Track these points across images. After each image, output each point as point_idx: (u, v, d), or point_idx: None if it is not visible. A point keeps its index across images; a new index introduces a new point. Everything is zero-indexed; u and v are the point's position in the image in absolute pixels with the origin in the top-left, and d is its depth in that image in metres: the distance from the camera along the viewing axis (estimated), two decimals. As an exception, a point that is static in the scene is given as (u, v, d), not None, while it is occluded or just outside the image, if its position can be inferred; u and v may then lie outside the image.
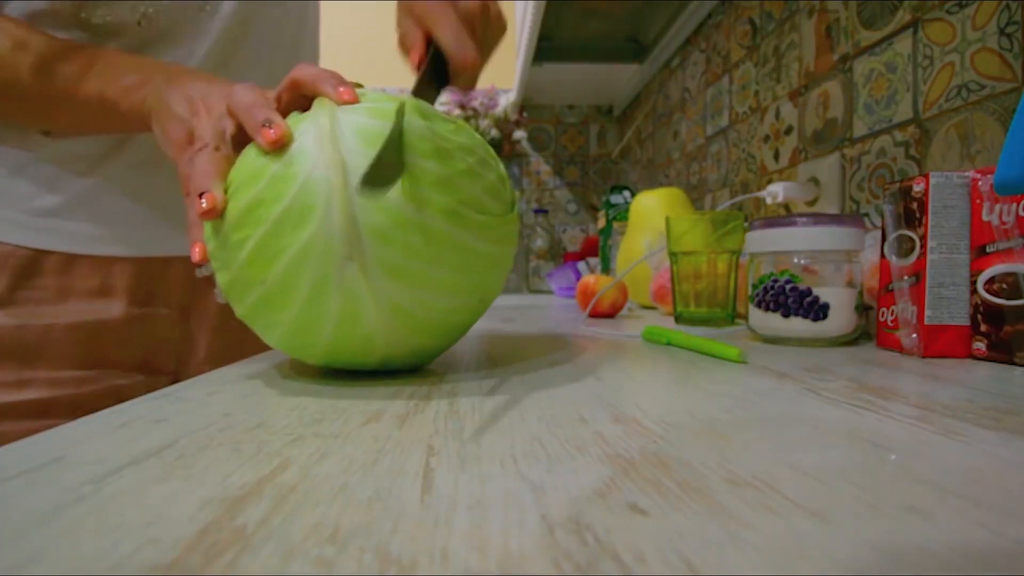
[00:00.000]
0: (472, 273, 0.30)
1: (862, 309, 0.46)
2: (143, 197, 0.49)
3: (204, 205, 0.29)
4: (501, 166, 0.34)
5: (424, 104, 0.30)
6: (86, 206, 0.47)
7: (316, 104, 0.30)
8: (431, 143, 0.29)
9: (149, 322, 0.50)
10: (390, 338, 0.29)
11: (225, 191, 0.30)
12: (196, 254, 0.31)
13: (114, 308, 0.48)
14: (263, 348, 0.53)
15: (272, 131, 0.28)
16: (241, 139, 0.32)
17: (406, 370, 0.34)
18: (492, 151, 0.34)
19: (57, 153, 0.46)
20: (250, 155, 0.29)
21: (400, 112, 0.29)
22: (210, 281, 0.51)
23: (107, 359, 0.48)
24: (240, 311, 0.30)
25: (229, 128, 0.32)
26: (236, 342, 0.54)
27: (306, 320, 0.28)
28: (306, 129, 0.28)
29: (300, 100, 0.33)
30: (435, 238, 0.28)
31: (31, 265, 0.45)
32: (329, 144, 0.27)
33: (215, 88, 0.36)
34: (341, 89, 0.31)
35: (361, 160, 0.27)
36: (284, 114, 0.34)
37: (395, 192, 0.27)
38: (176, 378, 0.53)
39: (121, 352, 0.48)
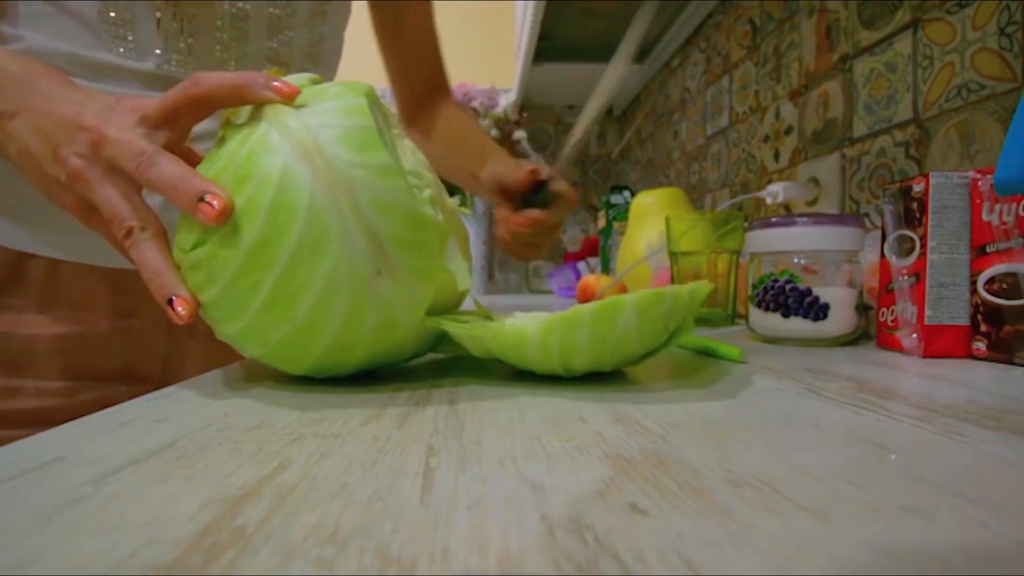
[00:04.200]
0: (467, 254, 0.33)
1: (862, 309, 0.46)
2: None
3: (181, 312, 0.27)
4: None
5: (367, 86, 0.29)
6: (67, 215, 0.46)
7: (267, 110, 0.27)
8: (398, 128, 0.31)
9: (132, 336, 0.49)
10: (419, 337, 0.30)
11: (199, 244, 0.27)
12: (181, 311, 0.27)
13: (96, 321, 0.46)
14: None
15: (215, 204, 0.25)
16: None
17: (406, 370, 0.34)
18: None
19: None
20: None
21: (373, 103, 0.27)
22: None
23: (92, 371, 0.46)
24: (257, 352, 0.28)
25: (133, 189, 0.29)
26: (227, 355, 0.51)
27: (342, 343, 0.27)
28: (279, 143, 0.26)
29: (201, 118, 0.30)
30: (443, 232, 0.28)
31: (14, 271, 0.43)
32: (320, 160, 0.25)
33: (74, 120, 0.30)
34: (276, 85, 0.27)
35: (360, 173, 0.25)
36: (183, 136, 0.31)
37: (403, 194, 0.26)
38: (162, 386, 0.52)
39: (104, 364, 0.47)
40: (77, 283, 0.46)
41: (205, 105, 0.29)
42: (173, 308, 0.27)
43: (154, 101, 0.29)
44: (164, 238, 0.29)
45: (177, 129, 0.30)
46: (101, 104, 0.30)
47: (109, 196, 0.29)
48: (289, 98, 0.27)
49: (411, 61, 0.68)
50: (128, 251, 0.29)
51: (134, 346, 0.49)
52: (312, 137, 0.25)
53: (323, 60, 0.55)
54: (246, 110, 0.29)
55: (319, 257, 0.25)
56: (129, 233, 0.28)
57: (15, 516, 0.14)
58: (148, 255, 0.28)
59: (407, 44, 0.67)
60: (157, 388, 0.51)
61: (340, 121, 0.26)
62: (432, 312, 0.30)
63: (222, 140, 0.29)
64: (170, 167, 0.27)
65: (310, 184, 0.25)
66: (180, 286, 0.27)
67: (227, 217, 0.25)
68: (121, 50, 0.43)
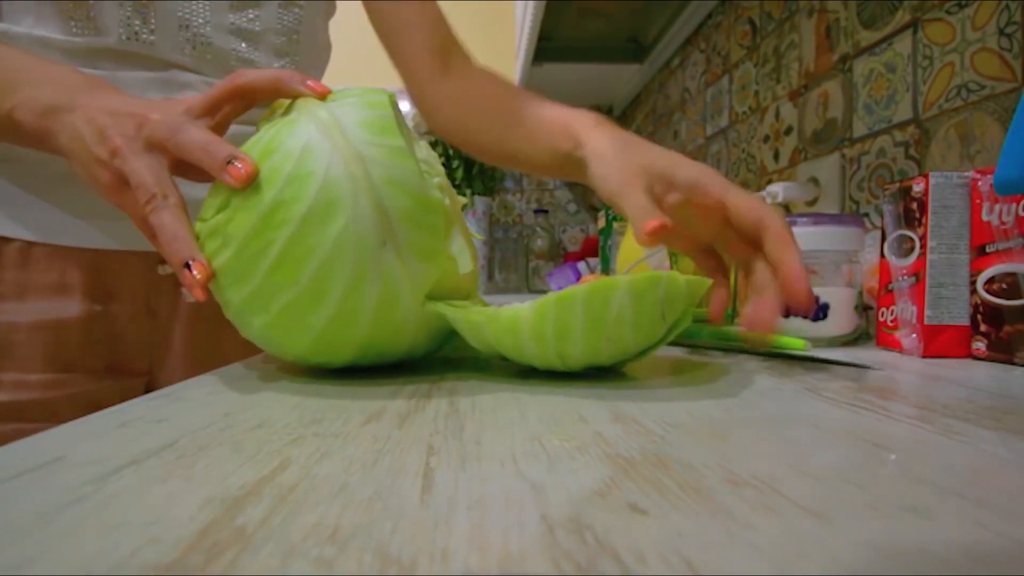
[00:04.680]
0: (471, 243, 0.33)
1: (862, 309, 0.46)
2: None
3: (197, 276, 0.29)
4: None
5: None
6: (44, 194, 0.44)
7: (299, 102, 0.30)
8: (413, 125, 0.32)
9: (111, 321, 0.48)
10: (420, 323, 0.30)
11: (220, 210, 0.29)
12: (197, 275, 0.29)
13: (72, 306, 0.45)
14: (242, 345, 0.50)
15: (241, 167, 0.28)
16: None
17: (406, 368, 0.34)
18: None
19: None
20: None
21: (393, 104, 0.30)
22: (173, 279, 0.49)
23: (73, 362, 0.45)
24: (259, 323, 0.29)
25: (164, 164, 0.31)
26: (213, 341, 0.52)
27: (344, 315, 0.28)
28: (304, 124, 0.28)
29: (241, 110, 0.33)
30: (450, 216, 0.30)
31: None
32: (340, 138, 0.27)
33: (124, 110, 0.33)
34: (310, 83, 0.31)
35: (376, 151, 0.27)
36: (224, 126, 0.34)
37: (413, 175, 0.28)
38: (150, 380, 0.51)
39: (85, 354, 0.46)
40: (51, 266, 0.45)
41: (245, 95, 0.32)
42: (189, 271, 0.29)
43: (199, 95, 0.33)
44: (184, 208, 0.31)
45: (218, 118, 0.33)
46: (152, 101, 0.34)
47: (140, 168, 0.31)
48: (321, 95, 0.31)
49: (415, 26, 0.57)
50: (148, 216, 0.30)
51: (115, 336, 0.48)
52: (335, 120, 0.28)
53: (303, 51, 0.53)
54: (279, 112, 0.32)
55: (329, 221, 0.26)
56: (151, 199, 0.30)
57: (15, 516, 0.14)
58: (167, 220, 0.30)
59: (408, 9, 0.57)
60: (147, 383, 0.50)
61: (362, 110, 0.29)
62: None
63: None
64: (199, 133, 0.30)
65: (328, 156, 0.27)
66: (197, 250, 0.29)
67: (253, 180, 0.28)
68: (84, 30, 0.43)
